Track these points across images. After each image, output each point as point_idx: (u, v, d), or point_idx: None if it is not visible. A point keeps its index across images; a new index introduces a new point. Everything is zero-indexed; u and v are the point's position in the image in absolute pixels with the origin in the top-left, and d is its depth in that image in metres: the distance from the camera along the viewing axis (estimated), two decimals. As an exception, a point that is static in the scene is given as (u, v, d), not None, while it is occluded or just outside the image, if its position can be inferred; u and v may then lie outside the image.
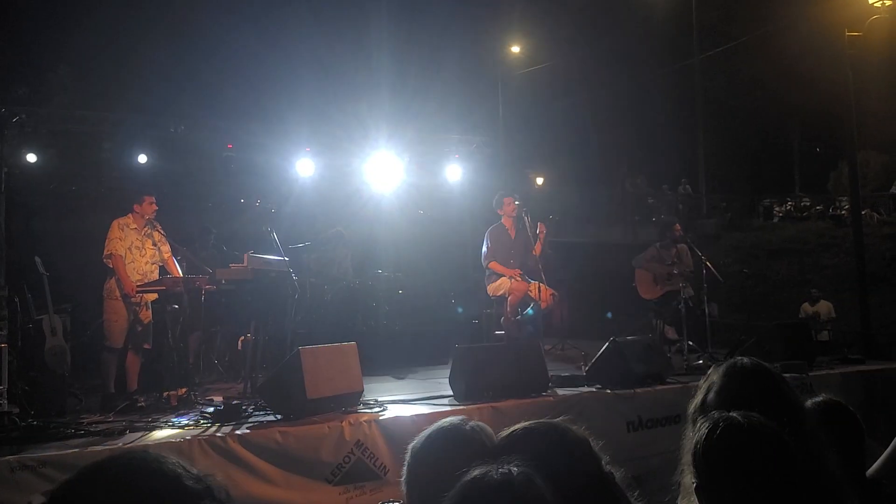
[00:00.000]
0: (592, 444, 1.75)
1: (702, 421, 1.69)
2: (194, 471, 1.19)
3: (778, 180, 28.34)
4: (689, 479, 1.73)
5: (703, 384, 2.09)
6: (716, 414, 1.68)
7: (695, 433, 1.68)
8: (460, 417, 1.82)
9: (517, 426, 1.77)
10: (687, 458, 1.75)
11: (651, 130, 26.86)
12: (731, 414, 1.66)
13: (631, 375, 6.27)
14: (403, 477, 1.78)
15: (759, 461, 1.57)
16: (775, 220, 24.03)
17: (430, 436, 1.79)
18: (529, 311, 8.14)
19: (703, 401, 2.01)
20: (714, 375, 2.08)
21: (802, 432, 1.72)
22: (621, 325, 10.11)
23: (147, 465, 1.17)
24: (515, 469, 1.35)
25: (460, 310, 9.83)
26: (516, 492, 1.32)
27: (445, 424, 1.80)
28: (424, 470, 1.74)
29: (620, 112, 26.47)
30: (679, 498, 1.84)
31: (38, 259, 7.04)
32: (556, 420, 1.78)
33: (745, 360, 2.11)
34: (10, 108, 12.03)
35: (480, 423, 1.81)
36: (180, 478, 1.16)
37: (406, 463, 1.79)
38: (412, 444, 1.80)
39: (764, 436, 1.60)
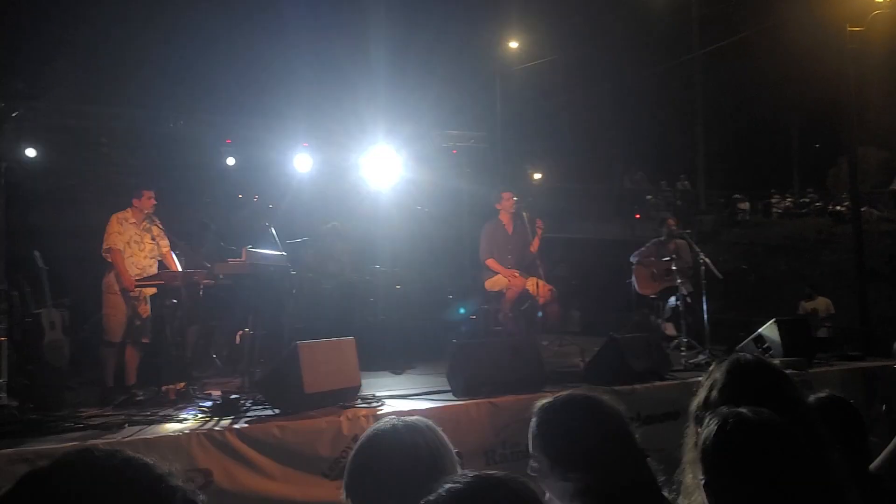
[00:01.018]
0: (624, 414, 1.91)
1: (710, 417, 1.69)
2: (165, 470, 1.14)
3: (777, 176, 28.36)
4: (690, 478, 1.73)
5: (705, 381, 2.09)
6: (724, 410, 1.68)
7: (703, 429, 1.68)
8: (394, 419, 1.76)
9: (556, 396, 1.96)
10: (690, 455, 1.75)
11: (650, 126, 26.86)
12: (740, 410, 1.66)
13: (629, 372, 6.27)
14: (343, 483, 1.73)
15: (770, 457, 1.57)
16: (774, 215, 24.06)
17: (364, 443, 1.75)
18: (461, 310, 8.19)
19: (707, 398, 2.02)
20: (717, 372, 2.08)
21: (806, 428, 1.73)
22: (620, 322, 10.11)
23: (116, 463, 1.13)
24: (509, 475, 1.33)
25: (462, 310, 9.81)
26: (511, 497, 1.30)
27: (379, 428, 1.75)
28: (361, 479, 1.70)
29: (619, 108, 26.47)
30: (680, 497, 1.84)
31: (36, 253, 7.05)
32: (591, 391, 1.95)
33: (748, 356, 2.12)
34: (8, 102, 12.01)
35: (417, 423, 1.75)
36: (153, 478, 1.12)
37: (347, 470, 1.74)
38: (350, 454, 1.77)
39: (774, 431, 1.60)
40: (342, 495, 1.72)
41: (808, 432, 1.70)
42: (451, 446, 1.73)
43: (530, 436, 1.96)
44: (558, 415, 1.95)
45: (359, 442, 1.75)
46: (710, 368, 2.15)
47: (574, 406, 1.96)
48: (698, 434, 1.71)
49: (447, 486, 1.30)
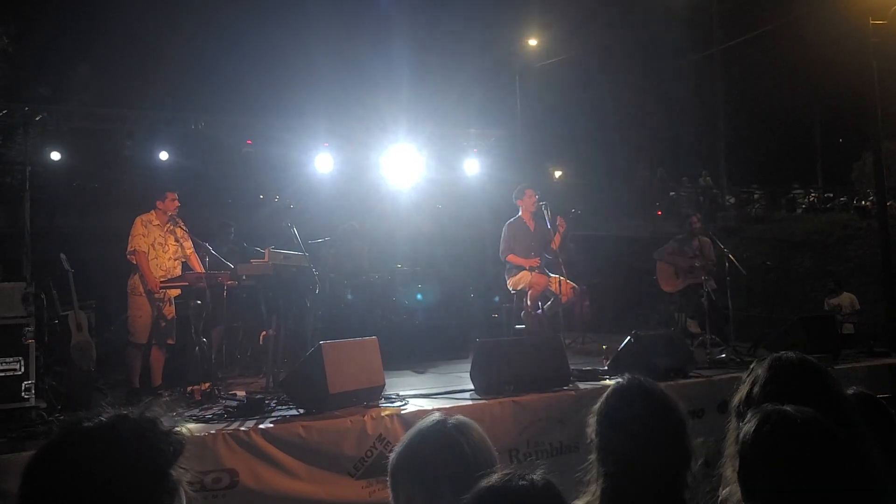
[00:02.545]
0: (672, 398, 2.06)
1: (751, 413, 1.69)
2: (149, 427, 1.27)
3: (800, 171, 28.07)
4: (730, 471, 1.74)
5: (746, 378, 2.13)
6: (768, 407, 1.68)
7: (743, 425, 1.69)
8: (437, 418, 1.78)
9: (613, 383, 2.14)
10: (730, 449, 1.76)
11: (671, 122, 26.67)
12: (782, 407, 1.66)
13: (653, 369, 6.22)
14: (388, 482, 1.76)
15: (811, 455, 1.56)
16: (798, 211, 23.80)
17: (409, 440, 1.77)
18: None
19: (749, 394, 2.04)
20: (759, 369, 2.11)
21: (848, 426, 1.72)
22: (643, 319, 10.05)
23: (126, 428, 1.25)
24: (537, 477, 1.36)
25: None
26: (537, 501, 1.33)
27: (424, 426, 1.78)
28: (406, 475, 1.72)
29: (640, 104, 26.33)
30: (720, 488, 1.86)
31: (62, 256, 7.12)
32: (644, 380, 2.11)
33: (790, 353, 2.14)
34: (32, 106, 12.18)
35: (462, 423, 1.78)
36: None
37: (391, 465, 1.76)
38: (395, 448, 1.79)
39: (817, 430, 1.59)
40: (388, 491, 1.74)
41: (850, 430, 1.70)
42: (492, 446, 1.76)
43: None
44: (623, 396, 2.09)
45: (405, 437, 1.77)
46: (752, 365, 2.18)
47: (638, 393, 2.09)
48: (739, 429, 1.71)
49: (483, 485, 1.35)
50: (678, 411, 2.06)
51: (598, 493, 1.99)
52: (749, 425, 1.66)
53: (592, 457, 2.06)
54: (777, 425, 1.62)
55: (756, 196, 24.86)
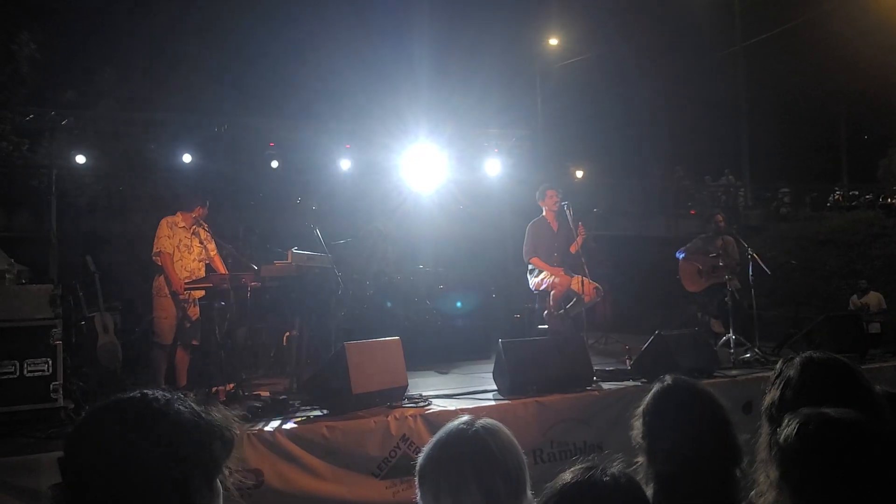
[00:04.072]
0: (715, 395, 2.12)
1: (789, 417, 1.66)
2: (203, 412, 1.31)
3: (826, 169, 27.75)
4: (763, 477, 1.71)
5: (775, 379, 2.11)
6: (805, 410, 1.66)
7: (781, 430, 1.66)
8: (466, 419, 1.79)
9: (657, 385, 2.22)
10: (763, 454, 1.73)
11: (694, 121, 26.48)
12: (822, 410, 1.63)
13: (677, 369, 6.15)
14: (416, 480, 1.77)
15: (860, 457, 1.54)
16: (823, 209, 23.51)
17: (438, 439, 1.78)
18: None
19: (782, 397, 2.02)
20: (789, 370, 2.08)
21: (882, 424, 1.70)
22: (666, 319, 9.99)
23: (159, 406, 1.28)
24: (618, 472, 1.37)
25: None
26: (623, 497, 1.33)
27: (453, 427, 1.78)
28: (433, 473, 1.72)
29: (662, 102, 26.16)
30: (752, 494, 1.84)
31: (88, 258, 7.22)
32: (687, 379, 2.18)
33: (821, 354, 2.12)
34: (59, 111, 12.33)
35: (490, 425, 1.78)
36: (191, 415, 1.29)
37: (419, 465, 1.77)
38: (424, 448, 1.80)
39: (860, 431, 1.57)
40: (415, 491, 1.75)
41: (885, 428, 1.68)
42: (520, 448, 1.76)
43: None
44: (669, 397, 2.14)
45: (434, 437, 1.78)
46: (779, 366, 2.15)
47: (685, 392, 2.13)
48: (773, 434, 1.69)
49: (566, 480, 1.40)
50: (722, 407, 2.08)
51: (651, 494, 1.98)
52: (789, 429, 1.62)
53: (641, 459, 2.05)
54: (821, 428, 1.59)
55: (780, 194, 24.59)
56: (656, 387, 2.19)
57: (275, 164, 11.56)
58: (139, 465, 1.21)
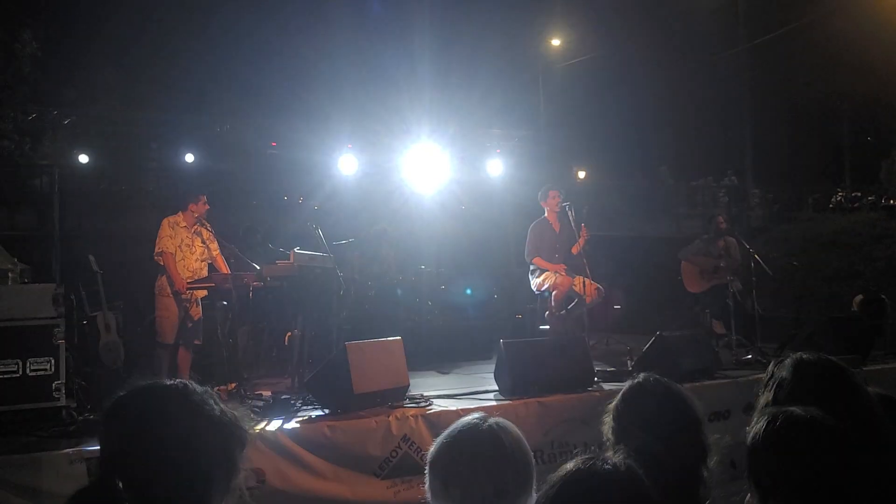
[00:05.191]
0: (686, 394, 2.17)
1: (758, 416, 1.69)
2: (226, 409, 1.41)
3: (828, 170, 27.71)
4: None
5: (768, 381, 2.11)
6: (773, 409, 1.69)
7: (751, 427, 1.69)
8: (479, 415, 1.83)
9: (633, 381, 2.23)
10: None
11: (696, 122, 26.46)
12: (790, 408, 1.66)
13: (678, 370, 6.19)
14: (426, 471, 1.80)
15: (817, 455, 1.56)
16: (825, 211, 23.47)
17: (450, 432, 1.81)
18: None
19: (776, 398, 2.03)
20: (782, 372, 2.09)
21: (869, 426, 1.71)
22: (668, 320, 9.99)
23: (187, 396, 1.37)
24: (619, 461, 1.39)
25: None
26: (623, 485, 1.35)
27: (466, 421, 1.82)
28: (445, 464, 1.76)
29: (664, 103, 26.13)
30: (748, 496, 1.85)
31: (91, 257, 7.22)
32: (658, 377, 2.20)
33: (812, 355, 2.12)
34: (61, 110, 12.35)
35: (502, 422, 1.82)
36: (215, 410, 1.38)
37: (430, 460, 1.80)
38: (437, 440, 1.82)
39: (824, 430, 1.59)
40: (425, 486, 1.79)
41: (872, 431, 1.69)
42: (528, 447, 1.80)
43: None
44: (641, 392, 2.17)
45: (447, 430, 1.80)
46: (771, 367, 2.16)
47: (656, 391, 2.17)
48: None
49: (567, 469, 1.42)
50: (693, 407, 2.11)
51: None
52: (757, 427, 1.66)
53: (609, 454, 2.07)
54: (786, 426, 1.62)
55: (782, 195, 24.56)
56: (627, 384, 2.21)
57: (276, 163, 11.58)
58: (175, 450, 1.30)
